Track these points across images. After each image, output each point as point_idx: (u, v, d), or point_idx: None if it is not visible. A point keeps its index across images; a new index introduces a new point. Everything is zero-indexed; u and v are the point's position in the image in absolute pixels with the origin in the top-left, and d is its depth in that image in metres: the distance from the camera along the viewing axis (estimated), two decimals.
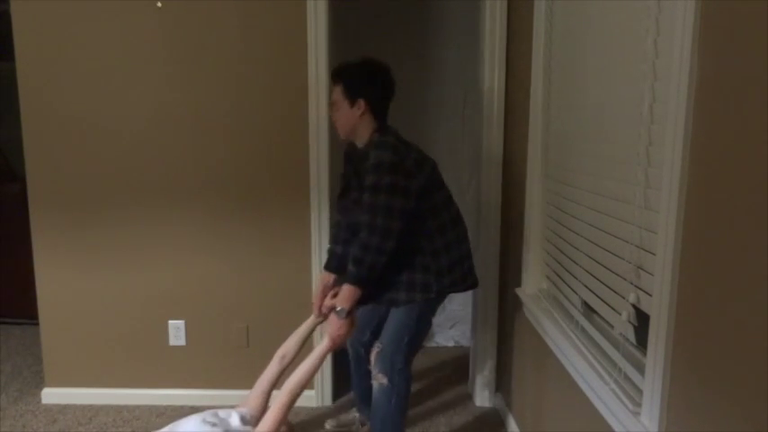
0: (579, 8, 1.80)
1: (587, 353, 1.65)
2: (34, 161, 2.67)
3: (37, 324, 2.83)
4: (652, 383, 1.24)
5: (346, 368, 2.57)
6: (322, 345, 2.03)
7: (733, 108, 0.99)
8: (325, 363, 2.73)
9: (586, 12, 1.74)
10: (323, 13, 2.54)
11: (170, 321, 2.78)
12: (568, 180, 1.88)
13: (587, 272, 1.69)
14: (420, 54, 3.43)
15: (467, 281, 2.22)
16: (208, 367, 2.81)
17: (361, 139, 2.13)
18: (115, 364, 2.81)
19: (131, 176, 2.67)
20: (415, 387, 2.53)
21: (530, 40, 2.21)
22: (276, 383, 2.09)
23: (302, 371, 1.97)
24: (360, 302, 2.06)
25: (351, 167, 2.24)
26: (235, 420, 1.93)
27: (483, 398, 2.86)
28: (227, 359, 2.81)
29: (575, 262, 1.80)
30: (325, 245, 2.70)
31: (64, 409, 2.78)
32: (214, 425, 1.87)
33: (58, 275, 2.74)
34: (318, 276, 2.73)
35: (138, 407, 2.79)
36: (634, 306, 1.37)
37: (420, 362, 3.20)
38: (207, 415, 1.91)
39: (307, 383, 1.94)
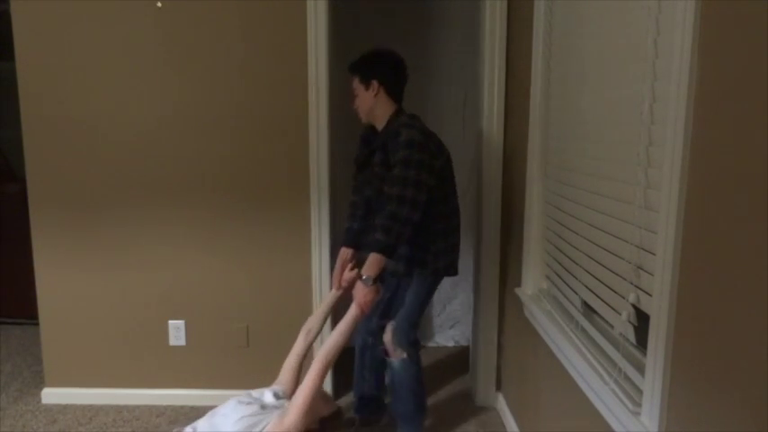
0: (579, 8, 1.80)
1: (587, 353, 1.65)
2: (34, 161, 2.67)
3: (37, 324, 2.83)
4: (652, 383, 1.24)
5: (345, 371, 2.58)
6: (350, 312, 2.11)
7: (733, 108, 0.99)
8: None
9: (586, 12, 1.74)
10: (323, 13, 2.54)
11: (170, 321, 2.78)
12: (568, 180, 1.88)
13: (587, 272, 1.69)
14: (420, 54, 3.42)
15: (454, 268, 2.35)
16: (208, 367, 2.81)
17: (380, 121, 2.29)
18: (115, 364, 2.81)
19: (131, 176, 2.67)
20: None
21: (530, 40, 2.21)
22: (304, 358, 2.22)
23: (333, 339, 2.06)
24: (360, 265, 2.19)
25: (366, 149, 2.37)
26: (269, 397, 2.07)
27: (483, 398, 2.86)
28: (227, 359, 2.81)
29: (575, 262, 1.80)
30: (326, 245, 2.71)
31: (64, 409, 2.78)
32: (249, 403, 2.01)
33: (58, 275, 2.74)
34: (317, 276, 2.74)
35: (138, 407, 2.79)
36: (634, 306, 1.37)
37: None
38: (241, 396, 2.04)
39: (338, 351, 2.04)
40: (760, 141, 0.91)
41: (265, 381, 2.78)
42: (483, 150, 2.68)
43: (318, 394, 1.97)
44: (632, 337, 1.41)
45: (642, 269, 1.34)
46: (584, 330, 1.77)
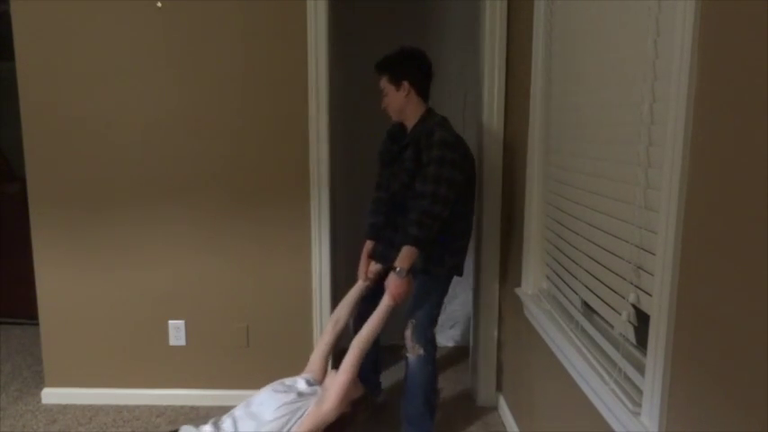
0: (579, 8, 1.80)
1: (587, 353, 1.65)
2: (34, 161, 2.67)
3: (37, 324, 2.83)
4: (652, 383, 1.24)
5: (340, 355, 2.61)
6: (383, 303, 2.21)
7: (733, 108, 0.99)
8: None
9: (586, 12, 1.74)
10: (323, 13, 2.54)
11: (170, 321, 2.78)
12: (568, 180, 1.88)
13: (587, 272, 1.69)
14: None
15: (461, 268, 2.44)
16: (208, 367, 2.81)
17: (411, 119, 2.39)
18: (115, 364, 2.81)
19: (131, 176, 2.67)
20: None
21: (530, 40, 2.21)
22: (333, 347, 2.33)
23: (367, 329, 2.17)
24: (382, 261, 2.40)
25: (394, 145, 2.47)
26: (302, 384, 2.16)
27: (483, 398, 2.86)
28: (227, 359, 2.81)
29: (575, 262, 1.80)
30: (326, 244, 2.71)
31: (64, 409, 2.78)
32: (285, 391, 2.10)
33: (58, 275, 2.74)
34: (317, 277, 2.74)
35: (138, 407, 2.79)
36: (634, 306, 1.37)
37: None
38: (275, 385, 2.14)
39: (372, 339, 2.17)
40: (760, 141, 0.91)
41: (265, 381, 2.78)
42: (483, 150, 2.68)
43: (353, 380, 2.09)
44: (632, 337, 1.41)
45: (642, 269, 1.34)
46: (584, 330, 1.77)
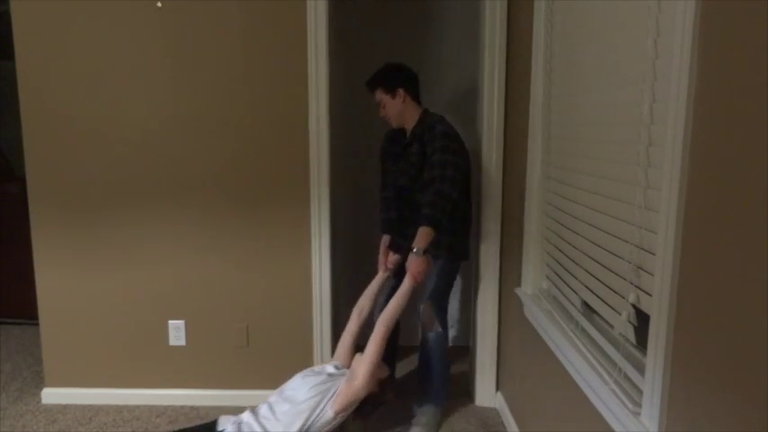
0: (579, 8, 1.80)
1: (587, 353, 1.65)
2: (34, 161, 2.67)
3: (37, 324, 2.83)
4: (652, 383, 1.24)
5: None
6: (405, 283, 2.36)
7: (733, 108, 0.99)
8: (326, 354, 2.78)
9: (586, 12, 1.74)
10: (323, 13, 2.54)
11: (170, 321, 2.78)
12: (568, 180, 1.88)
13: (587, 272, 1.69)
14: (420, 54, 3.43)
15: (467, 253, 2.69)
16: (208, 367, 2.81)
17: (410, 122, 2.61)
18: (115, 364, 2.81)
19: (131, 176, 2.67)
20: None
21: (530, 40, 2.21)
22: (358, 336, 2.45)
23: (391, 309, 2.31)
24: (397, 250, 2.62)
25: (396, 146, 2.69)
26: (330, 369, 2.31)
27: (483, 398, 2.86)
28: (227, 359, 2.81)
29: (575, 262, 1.80)
30: (326, 244, 2.71)
31: (64, 409, 2.78)
32: (316, 374, 2.25)
33: (57, 275, 2.74)
34: (317, 277, 2.74)
35: (138, 407, 2.79)
36: (634, 306, 1.37)
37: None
38: (305, 372, 2.29)
39: (395, 320, 2.31)
40: (760, 141, 0.91)
41: (265, 381, 2.80)
42: (483, 150, 2.68)
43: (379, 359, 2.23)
44: (632, 337, 1.41)
45: (642, 269, 1.34)
46: (584, 330, 1.77)
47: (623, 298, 1.42)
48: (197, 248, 2.73)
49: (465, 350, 3.24)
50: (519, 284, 2.38)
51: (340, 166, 3.22)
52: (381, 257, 2.67)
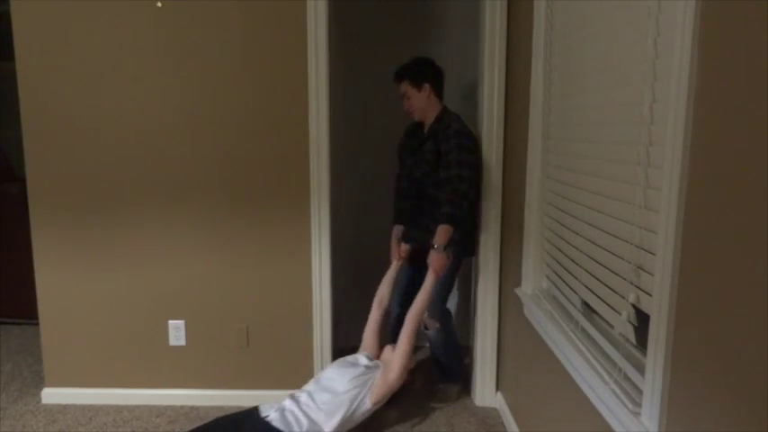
0: (579, 8, 1.80)
1: (587, 353, 1.65)
2: (34, 161, 2.67)
3: (37, 324, 2.83)
4: (652, 383, 1.24)
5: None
6: (428, 278, 2.55)
7: (733, 108, 0.99)
8: (326, 354, 2.79)
9: (587, 12, 1.74)
10: (323, 13, 2.54)
11: (170, 321, 2.78)
12: (568, 180, 1.88)
13: (587, 272, 1.69)
14: (420, 54, 3.42)
15: (471, 248, 2.79)
16: (208, 367, 2.81)
17: (430, 117, 2.70)
18: (115, 364, 2.81)
19: (131, 176, 2.67)
20: (415, 387, 2.74)
21: (530, 40, 2.21)
22: (382, 324, 2.69)
23: (417, 304, 2.54)
24: (411, 241, 2.76)
25: (413, 141, 2.77)
26: (364, 360, 2.51)
27: (483, 398, 2.86)
28: (227, 359, 2.81)
29: (575, 262, 1.80)
30: (326, 244, 2.71)
31: (64, 409, 2.78)
32: (353, 365, 2.44)
33: (58, 275, 2.74)
34: (317, 277, 2.74)
35: (138, 407, 2.79)
36: (634, 306, 1.37)
37: (420, 361, 3.21)
38: (340, 362, 2.49)
39: (424, 311, 2.56)
40: (760, 141, 0.91)
41: (265, 381, 2.80)
42: (483, 150, 2.68)
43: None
44: (632, 337, 1.41)
45: (642, 269, 1.34)
46: (584, 330, 1.77)
47: (623, 298, 1.42)
48: (197, 248, 2.73)
49: (465, 350, 3.24)
50: (519, 284, 2.38)
51: (340, 166, 3.22)
52: (394, 247, 2.83)
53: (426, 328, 2.77)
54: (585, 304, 1.79)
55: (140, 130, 2.65)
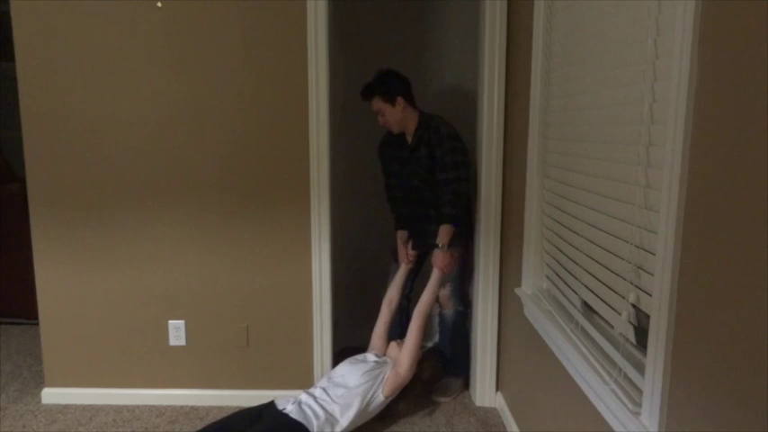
0: (579, 8, 1.80)
1: (587, 353, 1.65)
2: (34, 161, 2.67)
3: (37, 324, 2.83)
4: (652, 383, 1.24)
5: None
6: (433, 276, 2.68)
7: (733, 108, 0.99)
8: (326, 354, 2.76)
9: (586, 12, 1.74)
10: (323, 13, 2.54)
11: (170, 321, 2.78)
12: (568, 180, 1.88)
13: (587, 272, 1.69)
14: (420, 54, 3.43)
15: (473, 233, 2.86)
16: (208, 367, 2.81)
17: (410, 128, 2.74)
18: (115, 364, 2.81)
19: (131, 176, 2.67)
20: (414, 387, 2.75)
21: (530, 40, 2.21)
22: (391, 324, 2.79)
23: (424, 300, 2.66)
24: (416, 247, 2.85)
25: (402, 151, 2.81)
26: (372, 357, 2.61)
27: (483, 398, 2.86)
28: (227, 359, 2.81)
29: (575, 262, 1.80)
30: (326, 244, 2.71)
31: (64, 409, 2.78)
32: (363, 362, 2.55)
33: (57, 275, 2.74)
34: (317, 277, 2.74)
35: (138, 407, 2.79)
36: (634, 306, 1.37)
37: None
38: (350, 360, 2.58)
39: (431, 307, 2.70)
40: (760, 141, 0.91)
41: (265, 381, 2.80)
42: (483, 150, 2.68)
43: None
44: (632, 337, 1.41)
45: (642, 269, 1.34)
46: (584, 330, 1.77)
47: (623, 298, 1.42)
48: (197, 248, 2.73)
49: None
50: (519, 284, 2.38)
51: (340, 166, 3.22)
52: (401, 251, 2.92)
53: (443, 308, 2.89)
54: (585, 304, 1.79)
55: (140, 130, 2.65)
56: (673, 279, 1.16)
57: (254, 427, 2.23)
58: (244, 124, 2.64)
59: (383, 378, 2.46)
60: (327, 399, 2.37)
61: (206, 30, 2.57)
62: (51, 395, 2.83)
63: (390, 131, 2.81)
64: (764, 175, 0.90)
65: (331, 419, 2.31)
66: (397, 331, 2.89)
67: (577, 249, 1.77)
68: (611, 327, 1.61)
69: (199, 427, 2.48)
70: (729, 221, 1.00)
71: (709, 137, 1.06)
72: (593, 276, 1.64)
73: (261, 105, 2.63)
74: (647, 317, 1.28)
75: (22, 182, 2.79)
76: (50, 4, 2.54)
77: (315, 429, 2.24)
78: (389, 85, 2.68)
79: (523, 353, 2.41)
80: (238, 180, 2.68)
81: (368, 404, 2.40)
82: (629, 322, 1.39)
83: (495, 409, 2.82)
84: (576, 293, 1.81)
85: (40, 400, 2.83)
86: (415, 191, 2.80)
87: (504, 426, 2.66)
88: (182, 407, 2.79)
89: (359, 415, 2.37)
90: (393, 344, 2.70)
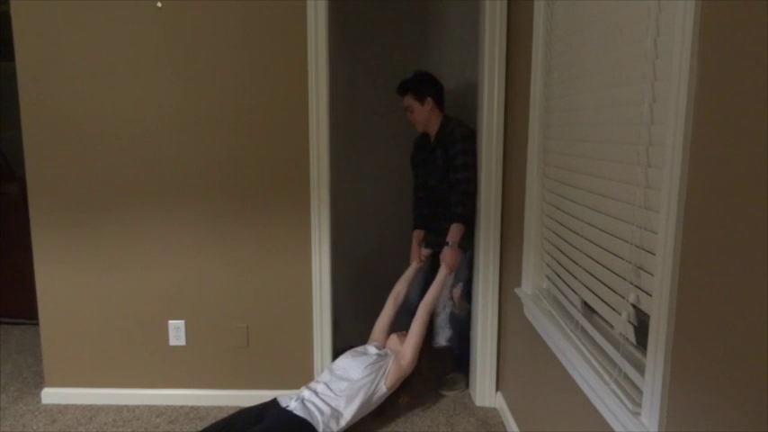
0: (579, 8, 1.80)
1: (587, 353, 1.65)
2: (34, 161, 2.67)
3: (37, 324, 2.83)
4: (652, 383, 1.24)
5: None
6: (441, 272, 2.75)
7: (733, 108, 0.99)
8: (326, 354, 2.78)
9: (586, 12, 1.74)
10: (323, 13, 2.54)
11: (170, 321, 2.78)
12: (568, 180, 1.88)
13: (587, 272, 1.69)
14: (420, 54, 3.43)
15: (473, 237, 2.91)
16: (208, 367, 2.81)
17: (433, 129, 2.86)
18: (115, 364, 2.81)
19: (131, 176, 2.67)
20: (414, 387, 2.76)
21: (530, 40, 2.21)
22: (394, 319, 2.83)
23: (430, 294, 2.73)
24: (431, 246, 2.93)
25: (423, 152, 2.95)
26: (373, 350, 2.65)
27: (483, 398, 2.86)
28: (227, 359, 2.81)
29: (575, 262, 1.80)
30: (326, 244, 2.72)
31: (64, 409, 2.78)
32: (364, 354, 2.58)
33: (58, 275, 2.74)
34: (317, 277, 2.74)
35: (138, 407, 2.79)
36: (634, 306, 1.37)
37: (420, 361, 3.20)
38: (351, 353, 2.61)
39: (436, 302, 2.77)
40: (760, 141, 0.91)
41: (265, 381, 2.80)
42: (483, 150, 2.68)
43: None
44: (632, 337, 1.41)
45: (642, 269, 1.34)
46: (584, 330, 1.77)
47: (623, 298, 1.42)
48: (197, 248, 2.73)
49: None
50: (519, 284, 2.38)
51: (340, 166, 3.22)
52: (414, 250, 3.01)
53: (454, 310, 2.96)
54: (585, 304, 1.79)
55: (140, 130, 2.65)
56: (673, 279, 1.16)
57: (257, 425, 2.23)
58: (244, 124, 2.64)
59: (386, 370, 2.50)
60: (330, 393, 2.40)
61: (206, 30, 2.57)
62: (51, 395, 2.83)
63: (421, 134, 2.95)
64: (764, 174, 0.90)
65: (336, 414, 2.33)
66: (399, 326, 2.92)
67: (577, 249, 1.77)
68: (611, 327, 1.61)
69: (199, 428, 2.49)
70: (729, 221, 1.00)
71: (709, 137, 1.06)
72: (594, 276, 1.64)
73: (261, 105, 2.63)
74: (648, 317, 1.28)
75: (22, 182, 2.79)
76: (50, 4, 2.54)
77: (320, 425, 2.26)
78: (423, 84, 2.81)
79: (523, 353, 2.41)
80: (238, 180, 2.68)
81: (371, 396, 2.43)
82: (629, 322, 1.39)
83: (494, 409, 2.82)
84: (576, 293, 1.81)
85: (40, 400, 2.83)
86: (433, 192, 2.91)
87: (503, 426, 2.66)
88: (182, 407, 2.79)
89: (363, 407, 2.40)
90: (393, 336, 2.73)
